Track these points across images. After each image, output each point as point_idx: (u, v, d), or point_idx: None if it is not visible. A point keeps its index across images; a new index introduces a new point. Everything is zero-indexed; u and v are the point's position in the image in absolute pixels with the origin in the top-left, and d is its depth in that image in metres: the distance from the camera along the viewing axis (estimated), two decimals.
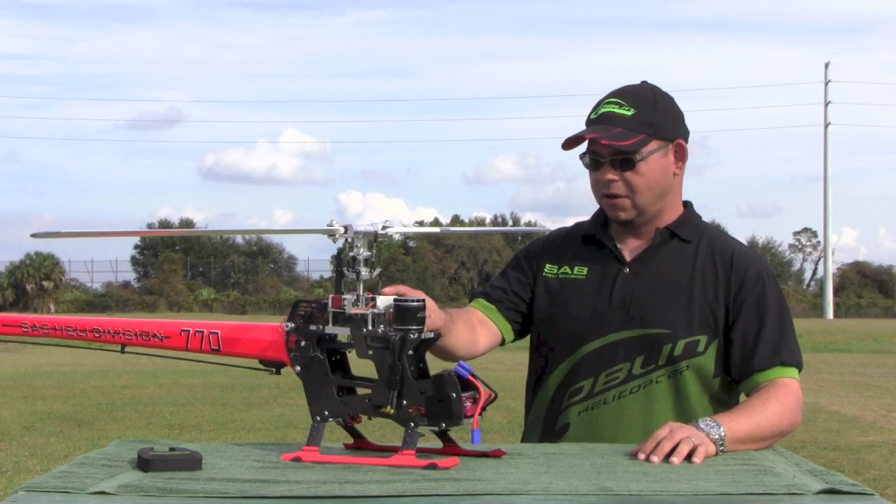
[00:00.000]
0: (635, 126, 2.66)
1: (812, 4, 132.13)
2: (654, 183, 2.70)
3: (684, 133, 2.76)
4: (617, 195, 2.70)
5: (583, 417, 2.71)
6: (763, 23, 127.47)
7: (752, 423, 2.49)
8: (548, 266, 2.83)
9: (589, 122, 2.72)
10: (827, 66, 71.86)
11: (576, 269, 2.80)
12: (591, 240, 2.82)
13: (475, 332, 2.75)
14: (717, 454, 2.37)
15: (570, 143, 2.70)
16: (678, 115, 2.76)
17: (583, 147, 2.72)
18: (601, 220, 2.82)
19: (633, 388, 2.67)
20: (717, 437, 2.39)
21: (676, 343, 2.65)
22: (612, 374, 2.69)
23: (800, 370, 2.69)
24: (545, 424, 2.78)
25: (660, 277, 2.71)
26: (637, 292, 2.71)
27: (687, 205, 2.82)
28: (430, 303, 2.34)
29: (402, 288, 2.32)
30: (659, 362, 2.66)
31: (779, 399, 2.59)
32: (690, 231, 2.77)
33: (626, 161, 2.67)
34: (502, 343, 2.87)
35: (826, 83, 71.49)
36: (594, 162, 2.71)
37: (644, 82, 2.77)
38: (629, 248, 2.78)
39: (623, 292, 2.72)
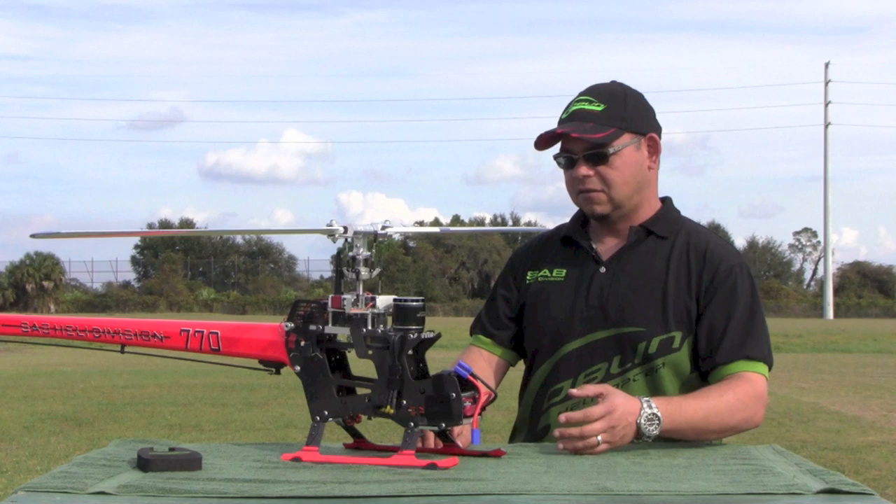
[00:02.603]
0: (606, 120, 2.68)
1: (812, 4, 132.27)
2: (629, 176, 2.71)
3: (656, 128, 2.77)
4: (592, 190, 2.71)
5: None
6: (763, 23, 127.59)
7: (698, 416, 2.52)
8: (529, 273, 2.85)
9: (560, 121, 2.74)
10: (827, 66, 71.91)
11: (555, 271, 2.81)
12: (569, 241, 2.83)
13: (489, 375, 2.79)
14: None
15: (543, 143, 2.72)
16: (649, 110, 2.77)
17: (556, 148, 2.74)
18: (580, 220, 2.84)
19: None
20: (650, 435, 2.44)
21: (651, 341, 2.66)
22: (591, 375, 2.69)
23: (769, 366, 2.68)
24: (529, 426, 2.81)
25: (635, 276, 2.72)
26: (613, 292, 2.71)
27: (665, 200, 2.83)
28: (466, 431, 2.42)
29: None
30: (635, 361, 2.67)
31: (736, 393, 2.59)
32: (667, 227, 2.77)
33: (599, 156, 2.68)
34: (511, 365, 2.92)
35: (826, 83, 71.49)
36: (568, 160, 2.72)
37: (613, 81, 2.79)
38: (606, 248, 2.79)
39: (600, 292, 2.72)
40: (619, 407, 2.42)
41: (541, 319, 2.78)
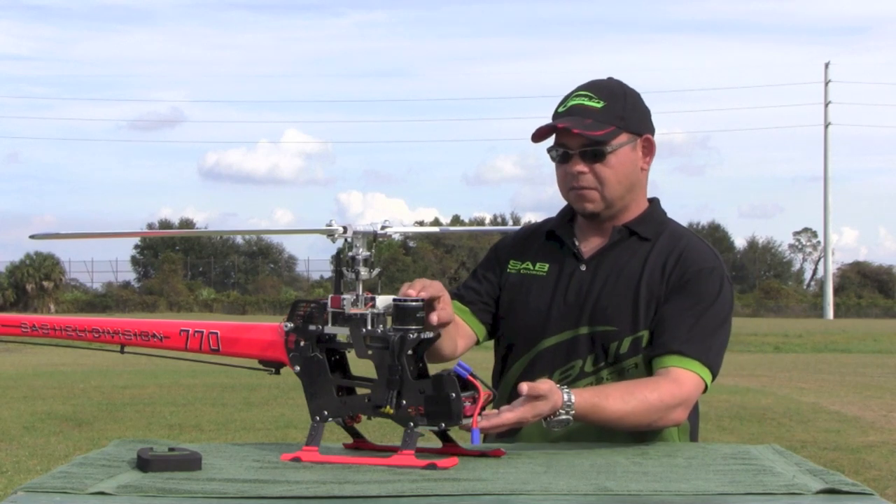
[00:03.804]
0: (606, 118, 2.66)
1: (812, 5, 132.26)
2: (623, 176, 2.69)
3: (651, 129, 2.76)
4: (586, 187, 2.69)
5: None
6: (763, 23, 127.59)
7: (614, 417, 2.46)
8: (512, 262, 2.84)
9: (557, 115, 2.71)
10: (827, 66, 71.90)
11: (537, 265, 2.80)
12: (554, 236, 2.82)
13: (456, 335, 2.75)
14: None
15: (540, 135, 2.70)
16: (646, 111, 2.76)
17: (551, 140, 2.72)
18: (567, 216, 2.83)
19: (585, 386, 2.64)
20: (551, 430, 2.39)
21: (622, 341, 2.65)
22: (566, 372, 2.69)
23: (711, 371, 2.60)
24: None
25: (612, 275, 2.70)
26: (590, 290, 2.70)
27: (652, 201, 2.81)
28: (446, 296, 2.37)
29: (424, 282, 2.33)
30: (607, 360, 2.66)
31: (661, 394, 2.52)
32: (651, 228, 2.75)
33: (596, 153, 2.66)
34: (477, 343, 2.87)
35: (826, 83, 71.49)
36: (563, 155, 2.70)
37: (611, 78, 2.77)
38: (589, 246, 2.77)
39: (578, 290, 2.72)
40: (533, 418, 2.34)
41: (519, 312, 2.77)
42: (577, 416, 2.39)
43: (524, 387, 2.33)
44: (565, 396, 2.37)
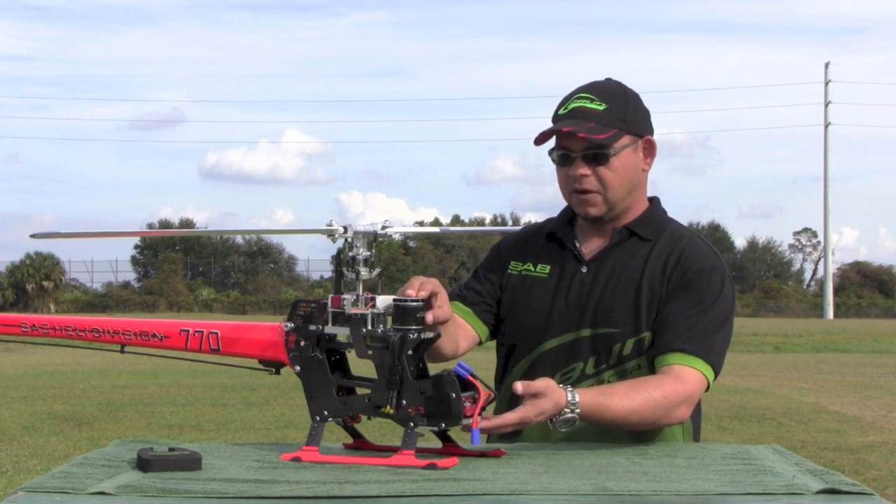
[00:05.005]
0: (608, 121, 2.65)
1: (812, 5, 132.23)
2: (625, 178, 2.69)
3: (651, 130, 2.76)
4: (588, 190, 2.68)
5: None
6: (763, 23, 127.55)
7: (620, 415, 2.45)
8: (513, 263, 2.84)
9: (558, 117, 2.70)
10: (827, 66, 71.90)
11: (539, 266, 2.80)
12: (554, 237, 2.82)
13: (458, 334, 2.75)
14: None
15: (543, 138, 2.69)
16: (646, 113, 2.76)
17: (552, 143, 2.71)
18: (567, 217, 2.83)
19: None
20: (556, 430, 2.38)
21: (625, 342, 2.65)
22: (567, 374, 2.68)
23: (714, 369, 2.60)
24: None
25: (613, 277, 2.70)
26: (592, 292, 2.70)
27: (653, 201, 2.81)
28: (444, 294, 2.37)
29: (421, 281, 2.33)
30: (609, 362, 2.66)
31: (665, 391, 2.52)
32: (652, 229, 2.75)
33: (598, 156, 2.66)
34: (479, 343, 2.87)
35: (826, 83, 71.48)
36: (564, 157, 2.69)
37: (609, 79, 2.77)
38: (590, 247, 2.77)
39: (579, 292, 2.71)
40: (537, 417, 2.33)
41: (521, 314, 2.77)
42: (583, 415, 2.39)
43: (518, 386, 2.33)
44: (569, 395, 2.37)
